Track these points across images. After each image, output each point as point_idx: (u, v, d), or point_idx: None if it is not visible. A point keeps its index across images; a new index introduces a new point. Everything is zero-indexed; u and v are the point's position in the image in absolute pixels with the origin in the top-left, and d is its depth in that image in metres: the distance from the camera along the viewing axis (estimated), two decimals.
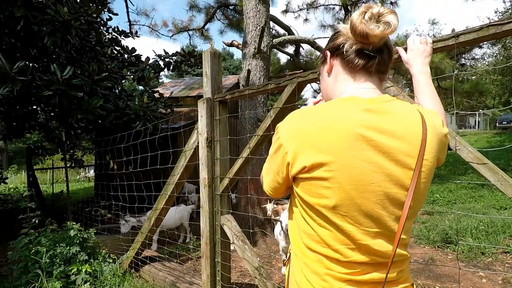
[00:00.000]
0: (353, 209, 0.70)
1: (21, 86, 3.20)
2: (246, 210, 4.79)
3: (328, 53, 0.84)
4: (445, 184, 7.37)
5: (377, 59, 0.78)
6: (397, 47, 1.04)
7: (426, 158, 0.72)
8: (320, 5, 8.91)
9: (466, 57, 10.26)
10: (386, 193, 0.70)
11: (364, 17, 0.74)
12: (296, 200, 0.80)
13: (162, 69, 5.72)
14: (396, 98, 0.78)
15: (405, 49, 1.04)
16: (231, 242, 2.24)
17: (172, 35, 9.80)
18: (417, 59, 0.98)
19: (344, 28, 0.80)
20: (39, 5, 3.48)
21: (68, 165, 5.66)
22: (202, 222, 2.35)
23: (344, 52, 0.79)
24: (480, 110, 21.20)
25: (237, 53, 32.93)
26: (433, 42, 1.15)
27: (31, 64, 3.78)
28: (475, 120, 22.99)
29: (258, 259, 2.08)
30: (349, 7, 8.28)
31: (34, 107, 5.07)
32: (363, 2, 8.47)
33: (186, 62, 5.82)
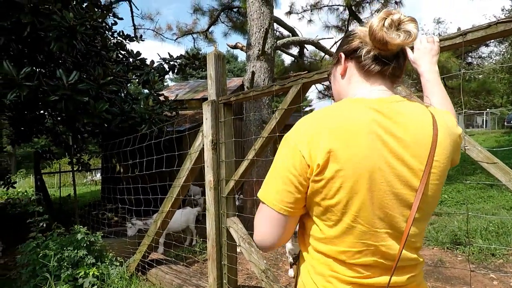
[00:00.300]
0: (363, 208, 0.69)
1: (28, 92, 3.24)
2: (252, 212, 4.78)
3: (343, 55, 0.83)
4: (453, 184, 7.28)
5: (392, 64, 0.78)
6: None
7: (437, 159, 0.71)
8: (324, 6, 8.90)
9: (473, 56, 10.15)
10: (395, 193, 0.70)
11: (384, 24, 0.73)
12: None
13: (167, 72, 5.76)
14: (406, 98, 0.78)
15: (412, 49, 1.02)
16: (237, 244, 2.23)
17: (177, 39, 9.87)
18: (424, 58, 0.97)
19: (361, 31, 0.79)
20: (46, 11, 3.53)
21: (75, 169, 5.71)
22: (208, 225, 2.35)
23: (361, 57, 0.79)
24: (488, 109, 20.93)
25: (241, 56, 33.08)
26: (440, 40, 1.13)
27: (37, 70, 3.83)
28: (483, 119, 22.67)
29: (265, 261, 2.06)
30: (353, 7, 8.26)
31: (42, 112, 5.13)
32: (367, 3, 8.44)
33: (190, 65, 5.85)
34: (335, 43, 8.24)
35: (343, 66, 0.83)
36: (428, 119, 0.73)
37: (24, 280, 2.77)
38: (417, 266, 0.78)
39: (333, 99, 0.93)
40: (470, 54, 9.86)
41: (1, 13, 3.47)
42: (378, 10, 8.48)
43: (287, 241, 0.76)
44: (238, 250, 2.33)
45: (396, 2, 8.22)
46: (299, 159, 0.71)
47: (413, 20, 0.74)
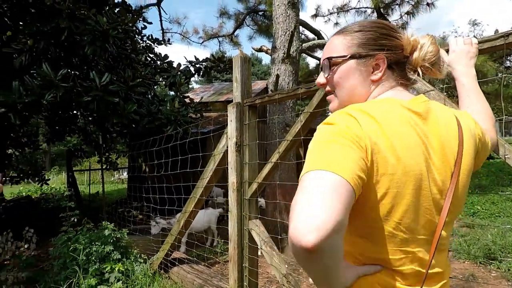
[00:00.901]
0: (407, 215, 0.64)
1: (64, 92, 3.43)
2: (273, 216, 4.75)
3: (386, 62, 0.76)
4: (487, 195, 6.87)
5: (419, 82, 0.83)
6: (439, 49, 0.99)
7: (464, 161, 0.70)
8: (351, 9, 8.76)
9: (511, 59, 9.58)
10: (433, 198, 0.67)
11: (437, 53, 0.79)
12: None
13: (193, 75, 5.88)
14: (430, 100, 0.76)
15: (447, 51, 0.98)
16: (258, 247, 2.22)
17: (203, 42, 10.10)
18: (460, 61, 0.93)
19: (406, 41, 0.78)
20: (81, 16, 3.72)
21: (103, 167, 5.95)
22: (230, 227, 2.35)
23: (405, 70, 0.79)
24: None
25: (265, 59, 33.21)
26: (479, 42, 1.07)
27: (72, 72, 4.04)
28: None
29: (286, 266, 2.04)
30: (381, 9, 8.05)
31: (74, 112, 5.41)
32: (397, 4, 8.21)
33: (215, 68, 5.95)
34: None
35: (382, 72, 0.76)
36: (453, 120, 0.72)
37: (55, 272, 2.91)
38: (445, 272, 0.74)
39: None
40: (508, 58, 9.32)
41: (43, 19, 3.70)
42: (408, 12, 8.22)
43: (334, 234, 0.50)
44: (259, 253, 2.32)
45: (428, 4, 7.93)
46: (358, 141, 0.60)
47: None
